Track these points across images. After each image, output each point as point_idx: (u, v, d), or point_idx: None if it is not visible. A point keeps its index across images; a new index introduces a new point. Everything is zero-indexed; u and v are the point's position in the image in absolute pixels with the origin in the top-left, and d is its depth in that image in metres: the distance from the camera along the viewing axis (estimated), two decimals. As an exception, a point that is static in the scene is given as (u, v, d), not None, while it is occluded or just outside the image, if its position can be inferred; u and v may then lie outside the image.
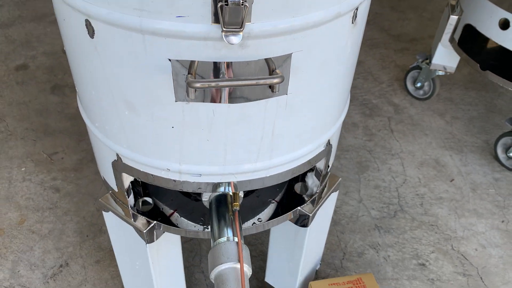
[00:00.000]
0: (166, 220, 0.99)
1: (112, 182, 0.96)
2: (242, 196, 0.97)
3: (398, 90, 2.15)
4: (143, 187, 1.04)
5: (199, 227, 0.98)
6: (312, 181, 1.05)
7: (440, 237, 1.54)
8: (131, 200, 0.98)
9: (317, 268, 1.33)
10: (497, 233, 1.56)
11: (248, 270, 0.83)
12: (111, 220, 1.02)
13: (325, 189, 1.06)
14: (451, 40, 1.78)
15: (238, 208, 0.90)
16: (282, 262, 1.20)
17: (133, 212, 0.98)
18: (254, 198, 1.04)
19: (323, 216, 1.09)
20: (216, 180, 0.84)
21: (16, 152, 1.72)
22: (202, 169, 0.82)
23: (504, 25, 1.51)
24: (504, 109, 2.08)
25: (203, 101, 0.70)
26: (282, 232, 1.12)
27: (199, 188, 0.86)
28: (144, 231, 0.94)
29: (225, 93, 0.69)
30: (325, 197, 1.04)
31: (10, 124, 1.83)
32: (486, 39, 1.72)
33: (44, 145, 1.75)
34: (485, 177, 1.76)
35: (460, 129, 1.97)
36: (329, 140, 0.93)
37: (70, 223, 1.50)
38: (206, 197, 0.96)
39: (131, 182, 0.96)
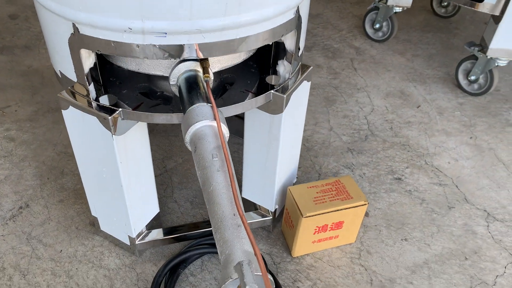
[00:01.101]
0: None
1: (69, 71, 0.89)
2: (212, 78, 0.92)
3: (358, 36, 2.16)
4: (104, 88, 0.97)
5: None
6: (283, 68, 1.01)
7: (413, 155, 1.53)
8: (92, 91, 0.91)
9: (293, 182, 1.29)
10: (467, 148, 1.57)
11: (225, 130, 0.78)
12: (71, 118, 0.94)
13: (298, 75, 1.02)
14: (406, -29, 1.81)
15: (209, 78, 0.85)
16: (258, 170, 1.15)
17: (96, 103, 0.91)
18: (229, 93, 0.99)
19: (297, 105, 1.06)
20: (183, 41, 0.79)
21: (-37, 108, 1.60)
22: (167, 25, 0.76)
23: None
24: (460, 46, 2.13)
25: None
26: (256, 129, 1.08)
27: (165, 55, 0.80)
28: (110, 117, 0.88)
29: None
30: (298, 82, 1.01)
31: (-45, 83, 1.71)
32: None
33: (-6, 100, 1.64)
34: (449, 103, 1.78)
35: (421, 64, 1.99)
36: (298, 8, 0.90)
37: (29, 168, 1.39)
38: (173, 80, 0.90)
39: (91, 72, 0.89)
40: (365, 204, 1.14)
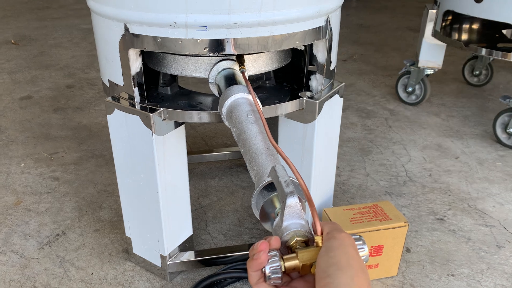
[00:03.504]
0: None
1: (117, 77, 0.97)
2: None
3: (391, 100, 2.22)
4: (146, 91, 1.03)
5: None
6: (316, 82, 1.06)
7: (454, 198, 1.48)
8: (136, 95, 0.97)
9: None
10: (512, 194, 1.51)
11: (260, 104, 0.81)
12: (115, 122, 1.00)
13: (331, 89, 1.06)
14: (434, 33, 1.91)
15: (245, 69, 0.90)
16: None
17: (140, 105, 0.97)
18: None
19: (330, 117, 1.08)
20: (221, 35, 0.86)
21: (16, 153, 1.70)
22: (208, 18, 0.84)
23: (478, -2, 1.64)
24: (496, 109, 2.13)
25: None
26: (290, 142, 1.09)
27: (204, 49, 0.87)
28: (151, 115, 0.93)
29: None
30: (331, 94, 1.04)
31: (12, 134, 1.84)
32: (463, 26, 1.87)
33: (44, 147, 1.74)
34: (489, 155, 1.74)
35: (457, 123, 2.00)
36: (329, 18, 0.97)
37: (69, 202, 1.43)
38: (212, 78, 0.95)
39: (136, 77, 0.96)
40: (405, 226, 1.09)
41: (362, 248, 0.54)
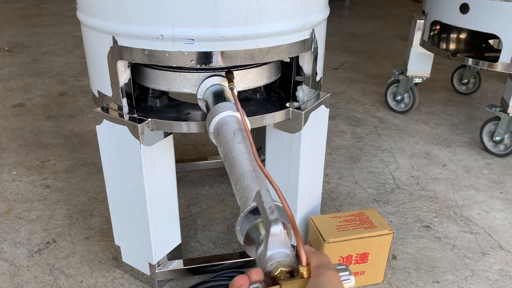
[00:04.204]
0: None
1: (106, 88, 0.99)
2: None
3: (380, 108, 2.25)
4: (136, 102, 1.05)
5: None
6: (302, 93, 1.08)
7: (441, 206, 1.50)
8: (125, 106, 0.99)
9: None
10: (498, 201, 1.53)
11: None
12: (104, 132, 1.01)
13: (317, 99, 1.08)
14: (422, 43, 1.94)
15: (234, 86, 0.92)
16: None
17: (128, 115, 0.98)
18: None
19: (316, 128, 1.10)
20: (208, 48, 0.88)
21: (7, 161, 1.71)
22: (195, 31, 0.86)
23: (463, 9, 1.67)
24: (483, 117, 2.16)
25: None
26: (277, 152, 1.11)
27: (191, 61, 0.89)
28: (139, 125, 0.94)
29: None
30: (316, 104, 1.07)
31: (4, 142, 1.85)
32: (451, 36, 1.90)
33: (36, 155, 1.75)
34: (476, 162, 1.77)
35: (445, 131, 2.02)
36: (314, 31, 0.99)
37: (60, 210, 1.44)
38: (200, 94, 0.97)
39: (125, 89, 0.98)
40: (389, 234, 1.11)
41: (348, 279, 0.52)
